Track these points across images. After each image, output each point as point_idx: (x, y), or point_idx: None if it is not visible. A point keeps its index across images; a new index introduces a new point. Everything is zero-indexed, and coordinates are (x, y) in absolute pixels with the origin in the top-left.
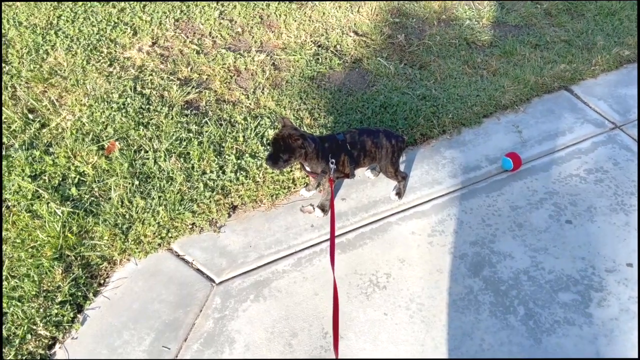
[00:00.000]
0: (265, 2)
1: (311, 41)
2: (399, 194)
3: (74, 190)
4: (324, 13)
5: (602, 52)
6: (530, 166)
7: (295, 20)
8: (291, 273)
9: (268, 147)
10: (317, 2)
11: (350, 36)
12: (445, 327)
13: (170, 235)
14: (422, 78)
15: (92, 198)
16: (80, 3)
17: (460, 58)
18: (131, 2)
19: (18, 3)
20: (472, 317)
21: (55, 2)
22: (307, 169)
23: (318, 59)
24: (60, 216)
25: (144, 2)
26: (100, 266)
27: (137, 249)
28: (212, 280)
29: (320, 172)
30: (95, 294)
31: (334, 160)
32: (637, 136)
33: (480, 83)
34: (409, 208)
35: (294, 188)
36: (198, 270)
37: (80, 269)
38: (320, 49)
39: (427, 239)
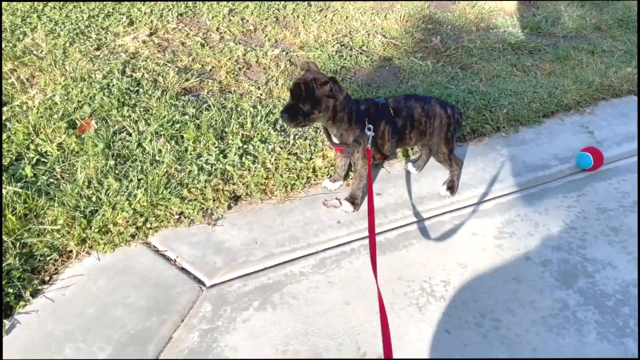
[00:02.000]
0: (282, 2)
1: (334, 39)
2: (452, 188)
3: (28, 170)
4: (347, 17)
5: None
6: (613, 167)
7: (315, 22)
8: (312, 276)
9: (282, 128)
10: (339, 6)
11: (378, 38)
12: (537, 352)
13: (149, 225)
14: (464, 77)
15: (52, 180)
16: None
17: (507, 61)
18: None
19: None
20: (574, 340)
21: None
22: (334, 139)
23: (342, 55)
24: (3, 195)
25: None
26: (48, 258)
27: (102, 239)
28: (201, 282)
29: (353, 141)
30: (35, 293)
31: (371, 127)
32: None
33: (535, 81)
34: (466, 206)
35: (315, 179)
36: (183, 269)
37: (17, 259)
38: (343, 47)
39: (494, 242)
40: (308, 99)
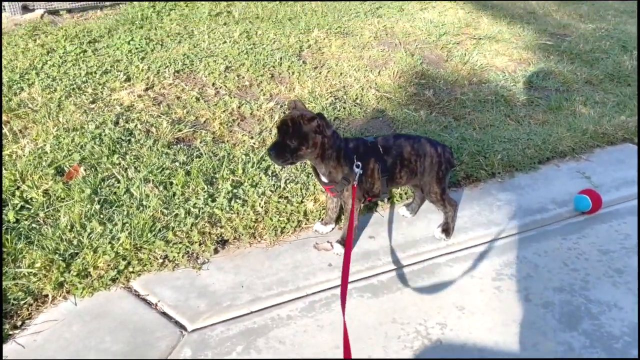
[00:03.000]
0: (278, 58)
1: (328, 93)
2: (447, 231)
3: (11, 215)
4: (341, 73)
5: None
6: (613, 210)
7: (309, 78)
8: (300, 320)
9: (273, 173)
10: (334, 64)
11: (372, 92)
12: None
13: (131, 269)
14: (458, 126)
15: (34, 225)
16: (72, 53)
17: (500, 112)
18: (129, 54)
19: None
20: None
21: (45, 51)
22: (323, 178)
23: (336, 107)
24: None
25: (142, 55)
26: (22, 302)
27: (80, 283)
28: (182, 327)
29: (341, 179)
30: (5, 339)
31: (359, 164)
32: None
33: (528, 129)
34: (463, 249)
35: (306, 223)
36: (164, 314)
37: None
38: (337, 100)
39: (492, 284)
40: (295, 135)
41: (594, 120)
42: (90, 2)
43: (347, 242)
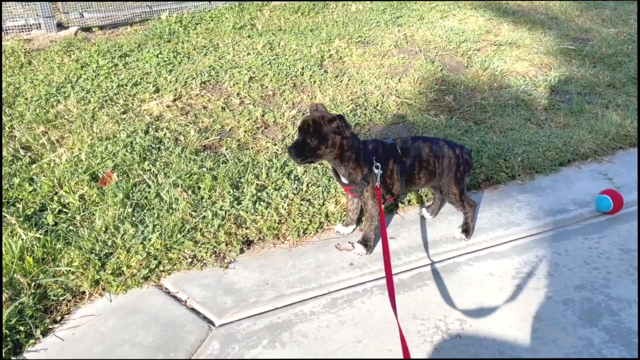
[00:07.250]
0: (300, 66)
1: (349, 100)
2: (467, 231)
3: (50, 218)
4: (362, 81)
5: None
6: (635, 210)
7: (330, 86)
8: (322, 315)
9: (296, 177)
10: (354, 72)
11: (392, 98)
12: None
13: (162, 268)
14: (478, 130)
15: (71, 227)
16: (104, 67)
17: (520, 116)
18: (158, 67)
19: (35, 62)
20: None
21: (79, 66)
22: (343, 179)
23: (356, 113)
24: (23, 239)
25: (170, 67)
26: (61, 298)
27: (115, 281)
28: (210, 322)
29: (361, 180)
30: (46, 332)
31: (379, 165)
32: None
33: (549, 132)
34: (482, 249)
35: (328, 224)
36: (193, 309)
37: (31, 299)
38: (358, 107)
39: (512, 282)
40: (315, 135)
41: (616, 122)
42: (121, 19)
43: (383, 236)
